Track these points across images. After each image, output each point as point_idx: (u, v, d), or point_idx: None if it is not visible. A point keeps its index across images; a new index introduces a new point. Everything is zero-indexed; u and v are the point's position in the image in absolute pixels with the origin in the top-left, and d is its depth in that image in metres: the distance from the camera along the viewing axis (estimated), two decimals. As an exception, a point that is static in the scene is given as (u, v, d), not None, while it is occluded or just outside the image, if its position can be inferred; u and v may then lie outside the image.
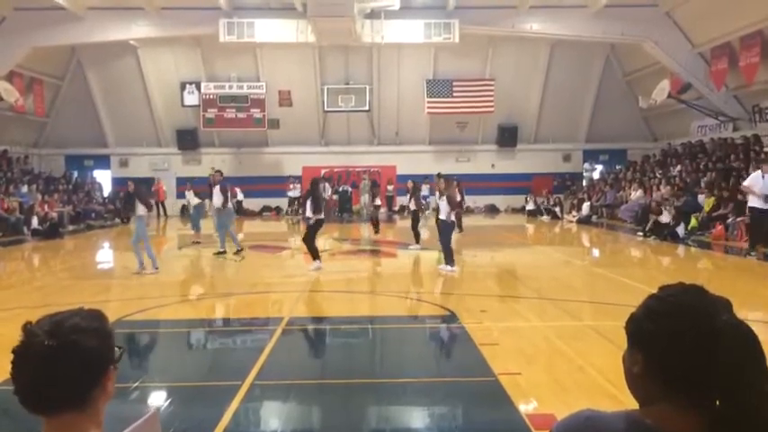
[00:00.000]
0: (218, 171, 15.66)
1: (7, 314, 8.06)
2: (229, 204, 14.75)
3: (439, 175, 13.05)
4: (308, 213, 12.00)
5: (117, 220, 25.55)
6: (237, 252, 14.36)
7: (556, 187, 29.14)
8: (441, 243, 11.88)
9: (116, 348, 1.46)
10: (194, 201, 18.19)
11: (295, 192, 27.87)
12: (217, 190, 14.52)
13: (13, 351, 1.36)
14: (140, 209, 11.73)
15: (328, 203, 26.99)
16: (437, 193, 12.70)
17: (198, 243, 16.68)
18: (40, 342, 1.33)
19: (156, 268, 11.75)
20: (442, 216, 11.79)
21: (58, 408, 1.35)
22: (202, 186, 18.63)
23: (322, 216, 12.13)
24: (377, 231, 19.09)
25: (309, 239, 12.04)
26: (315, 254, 12.02)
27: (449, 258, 11.60)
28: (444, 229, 11.81)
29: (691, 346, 1.18)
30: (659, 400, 1.23)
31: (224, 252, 14.23)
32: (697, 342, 1.18)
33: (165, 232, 22.39)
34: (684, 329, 1.20)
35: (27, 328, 1.37)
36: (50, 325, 1.36)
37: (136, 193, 11.92)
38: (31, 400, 1.34)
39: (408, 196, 16.07)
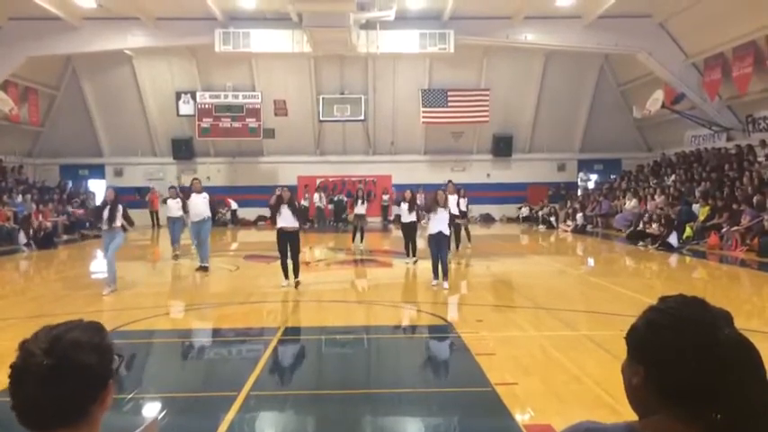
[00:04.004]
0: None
1: (1, 324, 8.01)
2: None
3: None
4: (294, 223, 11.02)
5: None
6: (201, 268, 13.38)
7: (551, 197, 29.23)
8: (443, 257, 10.96)
9: (115, 357, 1.41)
10: (178, 212, 15.64)
11: (305, 202, 27.64)
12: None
13: (11, 367, 1.33)
14: (119, 220, 10.76)
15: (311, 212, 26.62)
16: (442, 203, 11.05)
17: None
18: (38, 362, 1.29)
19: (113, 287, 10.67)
20: (445, 229, 11.04)
21: (54, 425, 1.32)
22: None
23: (282, 225, 11.01)
24: (354, 240, 17.43)
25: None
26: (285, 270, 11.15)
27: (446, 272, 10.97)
28: (444, 242, 11.14)
29: (692, 359, 1.18)
30: (659, 412, 1.22)
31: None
32: (698, 355, 1.18)
33: (158, 242, 22.30)
34: (686, 342, 1.20)
35: (24, 347, 1.33)
36: (48, 341, 1.32)
37: (117, 202, 10.80)
38: (29, 417, 1.31)
39: (408, 206, 13.69)
